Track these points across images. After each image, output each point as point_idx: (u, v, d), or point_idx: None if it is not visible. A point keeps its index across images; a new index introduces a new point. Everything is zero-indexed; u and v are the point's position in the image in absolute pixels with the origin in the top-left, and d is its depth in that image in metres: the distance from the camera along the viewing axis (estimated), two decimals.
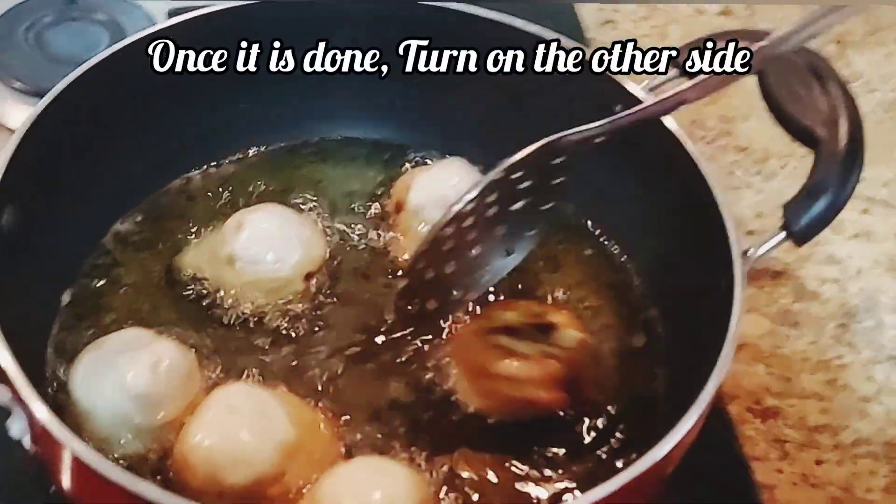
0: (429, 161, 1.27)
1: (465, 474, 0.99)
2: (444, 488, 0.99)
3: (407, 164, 1.27)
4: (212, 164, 1.25)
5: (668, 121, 1.09)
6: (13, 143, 0.99)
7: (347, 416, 1.04)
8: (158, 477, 0.97)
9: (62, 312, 1.09)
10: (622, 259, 1.20)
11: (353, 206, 1.23)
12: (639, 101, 1.09)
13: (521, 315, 1.05)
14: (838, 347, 1.30)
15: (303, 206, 1.22)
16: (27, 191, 1.01)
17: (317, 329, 1.11)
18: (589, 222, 1.23)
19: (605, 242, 1.22)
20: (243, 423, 0.95)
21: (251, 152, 1.27)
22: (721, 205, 1.02)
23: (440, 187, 1.15)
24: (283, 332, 1.10)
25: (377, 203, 1.23)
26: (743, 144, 1.53)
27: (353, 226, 1.21)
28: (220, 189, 1.24)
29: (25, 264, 1.03)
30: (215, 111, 1.20)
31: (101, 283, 1.12)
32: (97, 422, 0.98)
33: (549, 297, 1.15)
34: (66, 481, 0.88)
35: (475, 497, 0.98)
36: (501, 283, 1.13)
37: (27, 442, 0.88)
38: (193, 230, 1.18)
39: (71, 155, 1.08)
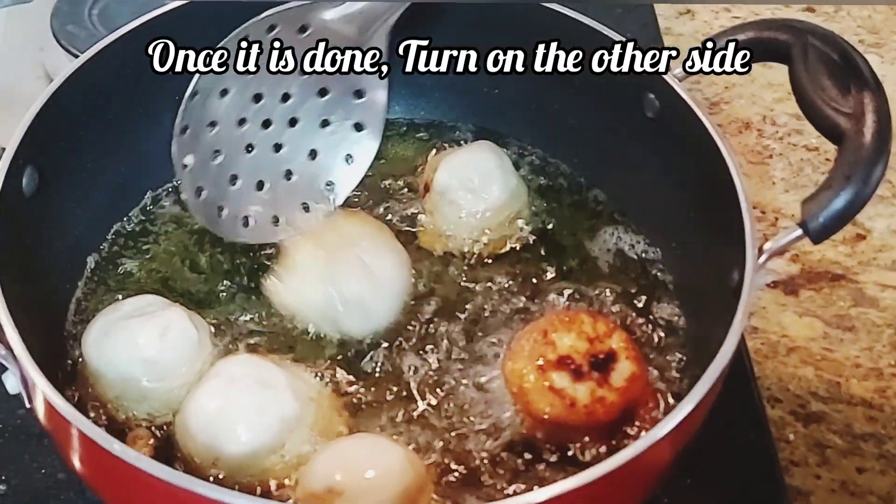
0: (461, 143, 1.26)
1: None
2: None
3: (440, 144, 1.26)
4: None
5: (700, 114, 1.05)
6: (36, 106, 1.01)
7: (358, 394, 1.04)
8: (161, 440, 1.00)
9: (86, 276, 1.11)
10: (649, 249, 1.18)
11: (385, 183, 1.24)
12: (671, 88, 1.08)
13: (579, 341, 1.01)
14: (894, 355, 1.25)
15: None
16: (50, 154, 1.03)
17: None
18: (615, 211, 1.21)
19: (633, 233, 1.19)
20: (245, 393, 0.96)
21: None
22: (741, 196, 0.98)
23: (465, 170, 1.15)
24: None
25: (411, 181, 1.23)
26: (814, 144, 1.48)
27: (383, 202, 1.21)
28: None
29: (48, 227, 1.05)
30: None
31: (128, 250, 1.15)
32: (106, 383, 1.00)
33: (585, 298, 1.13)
34: (48, 426, 0.91)
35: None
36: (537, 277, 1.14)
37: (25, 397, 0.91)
38: None
39: (101, 120, 1.10)
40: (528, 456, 1.00)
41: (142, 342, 0.99)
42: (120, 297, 1.09)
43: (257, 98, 1.14)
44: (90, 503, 1.06)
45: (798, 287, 1.32)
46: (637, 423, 1.01)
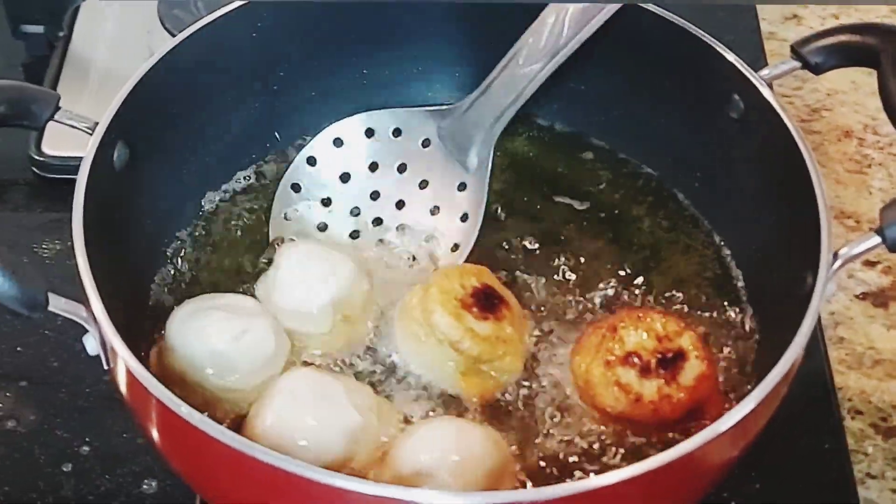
0: None
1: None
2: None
3: None
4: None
5: (784, 116, 1.05)
6: (130, 84, 1.04)
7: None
8: None
9: (172, 250, 1.14)
10: (725, 251, 1.17)
11: None
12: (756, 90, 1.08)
13: (648, 339, 1.01)
14: None
15: None
16: (141, 131, 1.06)
17: None
18: (696, 210, 1.21)
19: (712, 233, 1.18)
20: (308, 409, 0.95)
21: None
22: (819, 199, 0.97)
23: None
24: None
25: None
26: None
27: None
28: None
29: (137, 201, 1.08)
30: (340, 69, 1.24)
31: (215, 226, 1.17)
32: (174, 359, 1.01)
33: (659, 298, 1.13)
34: (126, 393, 0.94)
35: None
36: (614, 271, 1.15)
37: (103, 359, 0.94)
38: None
39: (192, 102, 1.12)
40: (591, 447, 1.01)
41: (215, 334, 1.00)
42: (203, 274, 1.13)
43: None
44: (167, 468, 1.09)
45: (889, 299, 1.30)
46: (704, 421, 1.00)
